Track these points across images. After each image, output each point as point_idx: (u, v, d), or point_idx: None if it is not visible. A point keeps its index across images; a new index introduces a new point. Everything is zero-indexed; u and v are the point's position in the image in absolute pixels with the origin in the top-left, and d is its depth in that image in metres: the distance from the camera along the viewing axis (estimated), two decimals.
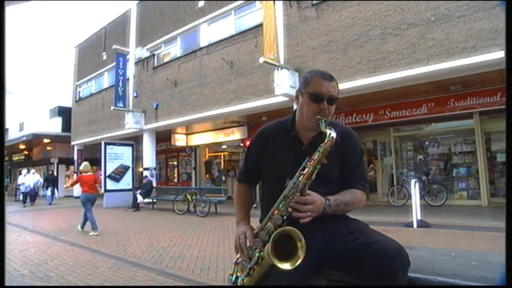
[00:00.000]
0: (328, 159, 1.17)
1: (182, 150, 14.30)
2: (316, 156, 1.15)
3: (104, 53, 14.27)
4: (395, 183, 9.08)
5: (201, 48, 10.62)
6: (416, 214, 5.48)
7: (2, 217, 1.11)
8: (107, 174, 11.12)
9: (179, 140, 13.57)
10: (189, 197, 8.98)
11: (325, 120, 1.22)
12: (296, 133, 1.32)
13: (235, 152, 13.68)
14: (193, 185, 12.51)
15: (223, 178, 13.23)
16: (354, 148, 1.33)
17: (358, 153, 1.34)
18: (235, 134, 12.10)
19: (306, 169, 1.15)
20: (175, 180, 14.90)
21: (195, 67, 11.41)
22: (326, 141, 1.16)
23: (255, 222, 1.31)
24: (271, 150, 1.33)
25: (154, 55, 12.95)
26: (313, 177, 1.14)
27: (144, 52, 13.02)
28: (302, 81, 1.31)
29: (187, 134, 13.70)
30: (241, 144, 12.01)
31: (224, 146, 13.45)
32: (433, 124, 8.56)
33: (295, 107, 1.33)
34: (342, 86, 7.33)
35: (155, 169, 12.21)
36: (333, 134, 1.17)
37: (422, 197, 7.27)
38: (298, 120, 1.32)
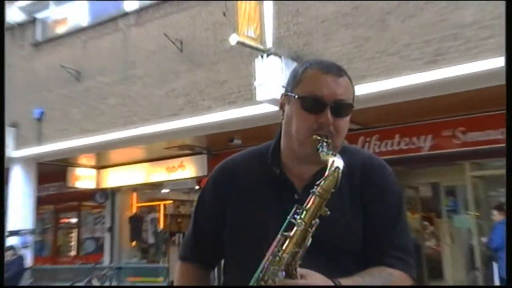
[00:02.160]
0: (335, 208, 1.17)
1: (88, 197, 13.62)
2: (310, 203, 1.12)
3: None
4: (477, 263, 8.25)
5: (125, 14, 10.15)
6: None
7: (2, 217, 3.11)
8: None
9: (83, 178, 12.91)
10: (98, 284, 9.00)
11: (326, 143, 1.20)
12: (282, 170, 1.32)
13: (185, 201, 13.50)
14: (107, 262, 12.07)
15: (163, 248, 12.60)
16: (386, 192, 1.33)
17: (392, 202, 1.33)
18: (186, 169, 11.71)
19: (295, 229, 1.11)
20: (72, 253, 14.07)
21: (115, 47, 10.37)
22: (326, 175, 1.12)
23: None
24: (240, 201, 1.33)
25: (35, 19, 11.56)
26: (308, 241, 1.11)
27: (15, 13, 11.55)
28: (290, 78, 1.34)
29: (98, 169, 12.89)
30: (197, 187, 11.66)
31: (166, 190, 13.04)
32: None
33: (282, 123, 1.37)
34: (376, 87, 6.83)
35: (32, 233, 10.72)
36: (338, 164, 1.13)
37: None
38: (285, 145, 1.34)
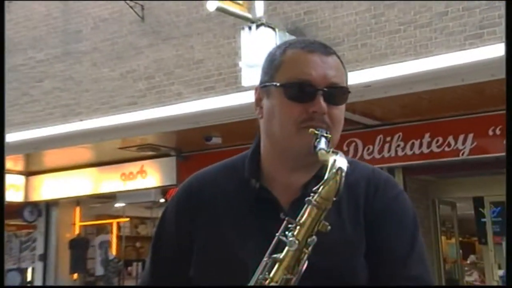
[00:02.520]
0: (333, 225, 1.20)
1: (13, 214, 13.25)
2: (306, 215, 1.17)
3: None
4: None
5: None
6: None
7: (2, 217, 1.98)
8: None
9: (7, 188, 12.98)
10: None
11: (326, 137, 1.26)
12: (262, 183, 1.38)
13: (146, 219, 13.68)
14: None
15: (115, 281, 12.78)
16: (397, 215, 1.39)
17: (406, 228, 1.39)
18: (148, 177, 11.70)
19: (287, 249, 1.16)
20: None
21: (52, 13, 10.43)
22: (326, 178, 1.15)
23: None
24: (210, 232, 1.38)
25: None
26: (303, 265, 1.16)
27: None
28: (266, 65, 1.41)
29: (27, 175, 12.91)
30: (162, 200, 11.83)
31: (120, 204, 12.97)
32: None
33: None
34: (399, 69, 6.81)
35: None
36: (341, 164, 1.17)
37: None
38: (267, 149, 1.40)
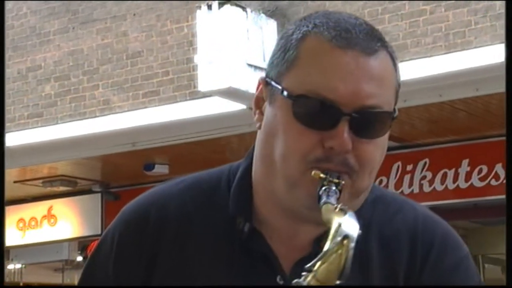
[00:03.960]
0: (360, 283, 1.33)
1: None
2: None
3: None
4: None
5: None
6: None
7: (2, 217, 2.52)
8: None
9: None
10: None
11: (336, 188, 1.24)
12: (255, 225, 1.39)
13: None
14: None
15: None
16: (457, 283, 1.42)
17: None
18: (59, 224, 11.68)
19: None
20: None
21: None
22: (326, 251, 1.15)
23: None
24: (175, 276, 1.41)
25: None
26: None
27: None
28: (277, 51, 1.36)
29: None
30: (79, 258, 12.03)
31: (16, 266, 13.30)
32: None
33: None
34: (426, 67, 7.11)
35: None
36: (349, 229, 1.16)
37: None
38: (262, 178, 1.40)
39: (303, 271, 1.15)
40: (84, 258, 11.48)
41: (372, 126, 1.26)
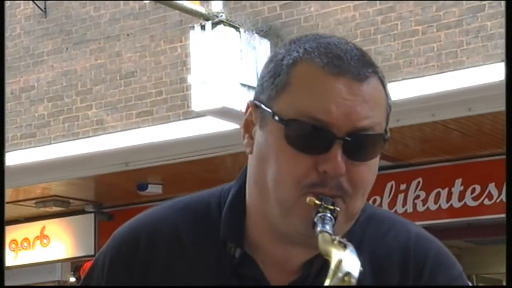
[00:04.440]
0: None
1: None
2: None
3: None
4: None
5: None
6: None
7: (2, 217, 2.65)
8: None
9: None
10: None
11: (332, 215, 1.22)
12: (247, 251, 1.38)
13: None
14: None
15: None
16: None
17: None
18: (52, 245, 11.60)
19: None
20: None
21: None
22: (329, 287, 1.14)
23: None
24: None
25: None
26: None
27: None
28: (267, 75, 1.35)
29: None
30: (72, 279, 11.81)
31: None
32: None
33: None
34: (417, 87, 7.12)
35: None
36: (350, 266, 1.12)
37: None
38: (252, 201, 1.39)
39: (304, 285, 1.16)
40: (77, 279, 11.51)
41: (365, 149, 1.26)
